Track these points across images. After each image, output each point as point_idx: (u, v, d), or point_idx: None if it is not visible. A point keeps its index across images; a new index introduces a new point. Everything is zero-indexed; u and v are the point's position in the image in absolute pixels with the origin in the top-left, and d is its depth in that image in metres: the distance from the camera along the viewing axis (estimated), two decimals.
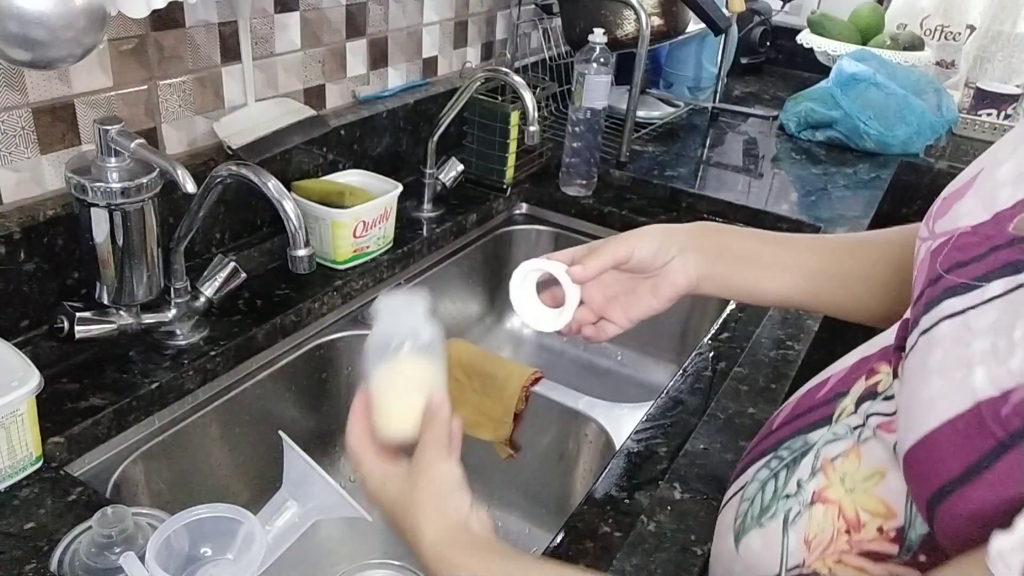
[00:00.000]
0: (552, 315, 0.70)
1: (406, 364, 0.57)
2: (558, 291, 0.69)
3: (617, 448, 0.84)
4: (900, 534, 0.48)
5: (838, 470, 0.52)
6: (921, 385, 0.45)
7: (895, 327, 0.55)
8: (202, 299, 0.88)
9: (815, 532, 0.52)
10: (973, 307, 0.44)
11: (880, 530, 0.49)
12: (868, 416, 0.52)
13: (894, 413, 0.50)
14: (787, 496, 0.55)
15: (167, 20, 0.90)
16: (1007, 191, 0.49)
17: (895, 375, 0.51)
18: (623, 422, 0.97)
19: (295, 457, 0.74)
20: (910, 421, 0.45)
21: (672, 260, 0.69)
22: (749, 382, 0.91)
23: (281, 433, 0.76)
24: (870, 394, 0.53)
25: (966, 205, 0.52)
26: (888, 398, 0.51)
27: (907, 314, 0.52)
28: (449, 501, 0.54)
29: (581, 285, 0.67)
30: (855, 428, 0.53)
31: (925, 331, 0.46)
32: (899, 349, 0.51)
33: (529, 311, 0.70)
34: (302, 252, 0.79)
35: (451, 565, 0.52)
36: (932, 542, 0.46)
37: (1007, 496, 0.38)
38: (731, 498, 0.63)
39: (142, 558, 0.55)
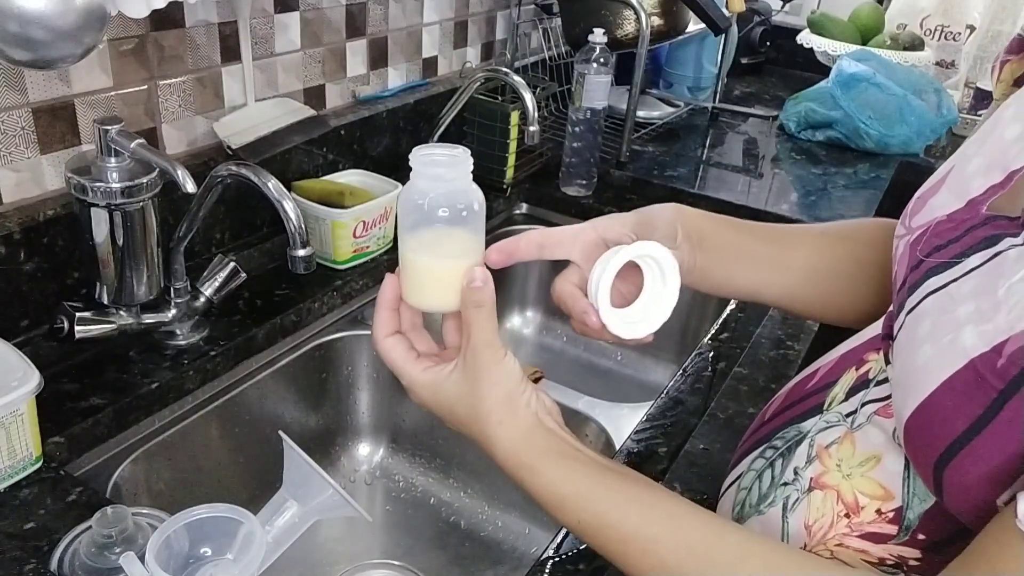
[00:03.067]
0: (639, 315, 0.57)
1: (441, 232, 0.53)
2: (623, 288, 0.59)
3: (617, 448, 0.84)
4: (898, 514, 0.49)
5: (833, 456, 0.53)
6: (912, 355, 0.46)
7: (879, 321, 0.56)
8: (202, 299, 0.88)
9: (815, 517, 0.52)
10: (954, 280, 0.45)
11: (879, 512, 0.50)
12: (863, 404, 0.53)
13: (888, 397, 0.51)
14: (784, 484, 0.55)
15: (167, 20, 0.90)
16: (979, 180, 0.50)
17: (887, 361, 0.52)
18: (623, 422, 0.97)
19: (295, 457, 0.74)
20: (905, 390, 0.46)
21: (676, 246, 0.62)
22: (749, 382, 0.91)
23: (281, 433, 0.75)
24: (862, 383, 0.54)
25: (940, 199, 0.53)
26: (880, 382, 0.52)
27: (892, 307, 0.53)
28: (518, 401, 0.53)
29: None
30: (847, 415, 0.53)
31: (911, 310, 0.48)
32: (887, 337, 0.52)
33: (615, 318, 0.56)
34: (302, 252, 0.79)
35: (531, 472, 0.52)
36: (931, 520, 0.47)
37: (1016, 448, 0.39)
38: (727, 488, 0.63)
39: (142, 558, 0.55)
